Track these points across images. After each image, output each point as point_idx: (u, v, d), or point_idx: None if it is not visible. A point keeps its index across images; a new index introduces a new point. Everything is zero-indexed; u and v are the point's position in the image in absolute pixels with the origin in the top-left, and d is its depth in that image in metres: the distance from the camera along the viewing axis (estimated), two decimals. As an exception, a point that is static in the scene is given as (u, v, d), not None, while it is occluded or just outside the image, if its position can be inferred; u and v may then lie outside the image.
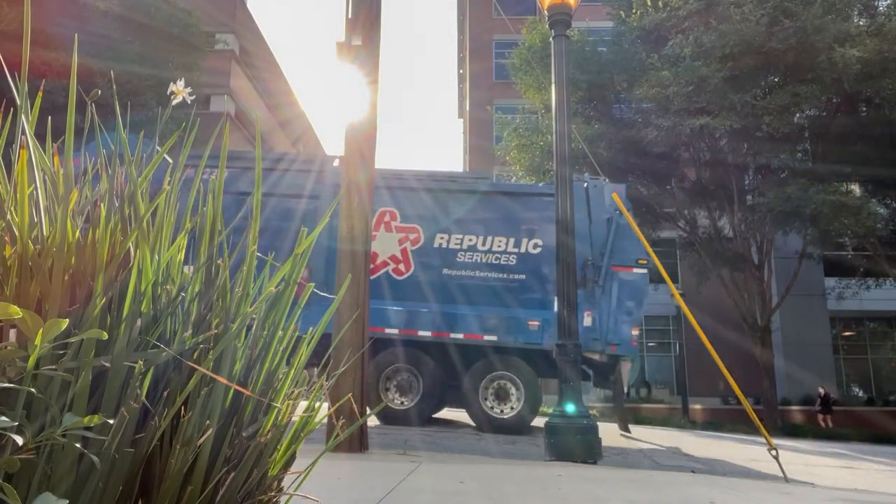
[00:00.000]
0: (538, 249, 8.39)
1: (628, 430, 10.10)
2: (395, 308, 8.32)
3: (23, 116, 1.26)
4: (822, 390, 22.16)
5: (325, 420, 4.37)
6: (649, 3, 18.26)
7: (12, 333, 1.06)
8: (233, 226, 1.59)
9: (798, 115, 16.85)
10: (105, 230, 1.27)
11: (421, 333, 8.25)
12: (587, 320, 8.05)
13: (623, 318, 8.32)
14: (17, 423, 0.98)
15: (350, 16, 5.22)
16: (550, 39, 6.05)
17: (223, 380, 1.33)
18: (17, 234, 1.18)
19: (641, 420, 18.53)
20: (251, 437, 1.41)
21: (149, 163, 1.47)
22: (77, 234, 1.26)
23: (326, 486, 2.98)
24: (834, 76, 15.07)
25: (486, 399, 8.28)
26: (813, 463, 7.44)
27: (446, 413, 13.19)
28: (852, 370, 27.24)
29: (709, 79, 15.49)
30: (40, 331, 0.98)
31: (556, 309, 5.65)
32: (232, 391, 1.39)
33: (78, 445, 1.09)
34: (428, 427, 8.25)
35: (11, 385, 1.00)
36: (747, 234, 18.73)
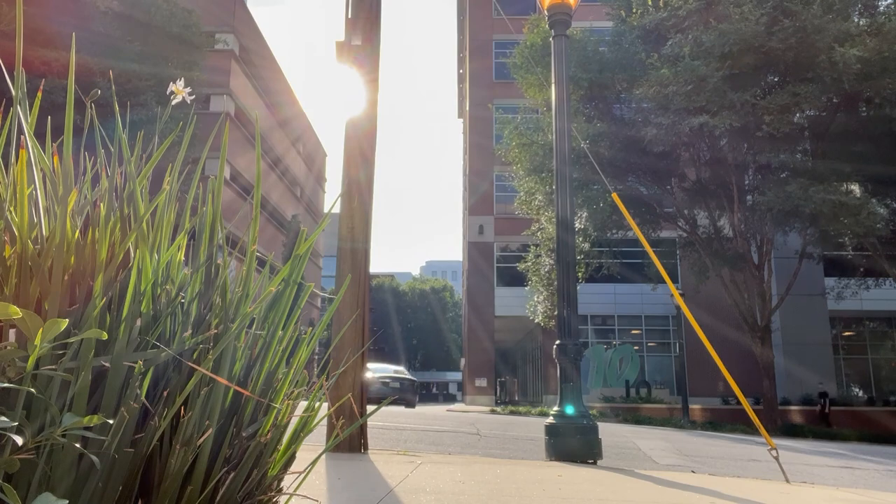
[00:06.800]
0: None
1: None
2: None
3: (20, 112, 1.26)
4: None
5: (325, 420, 4.37)
6: (650, 3, 18.26)
7: (12, 333, 1.06)
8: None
9: (798, 114, 16.85)
10: (104, 230, 1.27)
11: None
12: None
13: None
14: (16, 423, 0.98)
15: (350, 16, 5.21)
16: (551, 39, 6.05)
17: (223, 380, 1.33)
18: (16, 234, 1.18)
19: (641, 420, 18.53)
20: (251, 437, 1.41)
21: (147, 161, 1.46)
22: (77, 234, 1.25)
23: (326, 486, 2.98)
24: (834, 76, 15.06)
25: None
26: (813, 463, 7.44)
27: (447, 413, 13.20)
28: (852, 370, 27.27)
29: (708, 78, 15.48)
30: (40, 331, 0.98)
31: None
32: (232, 391, 1.39)
33: (78, 445, 1.09)
34: (428, 427, 8.25)
35: (11, 385, 1.00)
36: (747, 234, 18.73)
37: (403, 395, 17.87)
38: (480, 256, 31.61)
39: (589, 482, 3.66)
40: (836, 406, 22.63)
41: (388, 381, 17.96)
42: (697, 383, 24.38)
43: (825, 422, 21.17)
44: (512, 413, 18.85)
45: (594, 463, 4.83)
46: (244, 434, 1.40)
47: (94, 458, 1.08)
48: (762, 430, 5.15)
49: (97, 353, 1.18)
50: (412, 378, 19.20)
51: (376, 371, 18.69)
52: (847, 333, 27.59)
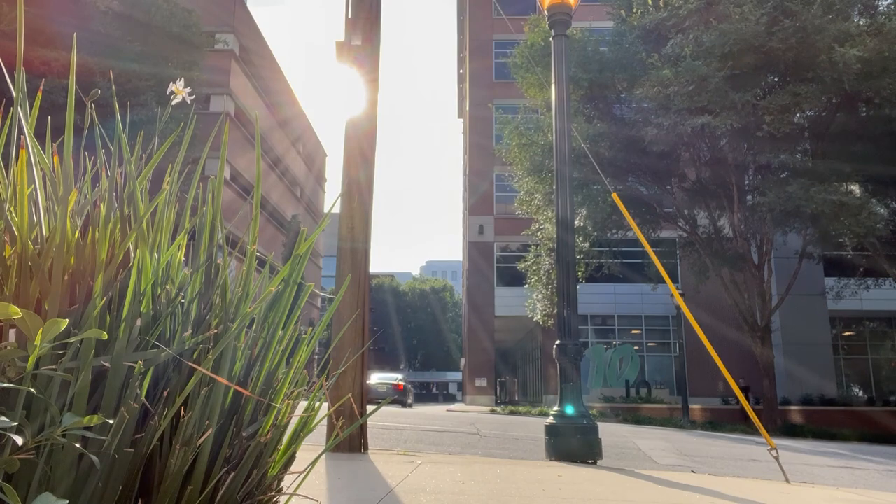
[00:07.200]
0: None
1: None
2: None
3: (20, 112, 1.26)
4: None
5: (325, 420, 4.37)
6: (650, 2, 18.25)
7: (12, 333, 1.06)
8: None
9: (798, 114, 16.84)
10: (104, 230, 1.27)
11: None
12: None
13: None
14: (16, 423, 0.98)
15: (350, 16, 5.22)
16: (551, 39, 6.05)
17: (223, 380, 1.33)
18: (16, 234, 1.18)
19: (641, 420, 18.53)
20: (251, 437, 1.41)
21: (147, 161, 1.46)
22: (77, 234, 1.25)
23: (326, 486, 2.98)
24: (834, 76, 15.05)
25: None
26: (813, 463, 7.44)
27: (447, 413, 13.20)
28: (852, 370, 27.26)
29: (709, 78, 15.48)
30: (40, 331, 0.98)
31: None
32: (232, 391, 1.39)
33: (78, 445, 1.09)
34: (428, 427, 8.25)
35: (11, 385, 1.00)
36: (747, 234, 18.73)
37: (390, 395, 24.04)
38: (480, 256, 31.61)
39: (589, 482, 3.66)
40: (836, 406, 22.61)
41: (375, 384, 24.70)
42: (697, 383, 24.37)
43: (746, 418, 21.19)
44: (512, 413, 18.85)
45: (594, 463, 4.83)
46: (244, 434, 1.40)
47: (94, 458, 1.08)
48: (762, 430, 5.15)
49: (97, 353, 1.18)
50: (401, 383, 25.78)
51: (379, 378, 25.72)
52: (847, 333, 27.59)
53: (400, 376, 27.25)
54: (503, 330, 33.41)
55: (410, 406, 25.72)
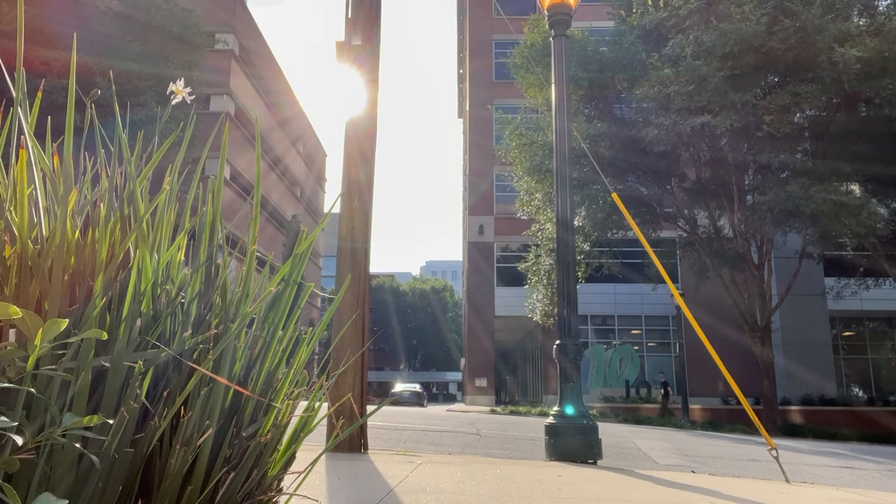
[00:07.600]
0: None
1: None
2: None
3: (20, 112, 1.26)
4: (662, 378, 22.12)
5: (325, 420, 4.37)
6: (650, 2, 18.25)
7: (12, 333, 1.06)
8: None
9: (798, 114, 16.84)
10: (104, 230, 1.27)
11: None
12: None
13: None
14: (16, 423, 0.98)
15: (350, 16, 5.21)
16: (551, 39, 6.05)
17: (223, 380, 1.33)
18: (16, 234, 1.18)
19: (641, 420, 18.52)
20: (251, 437, 1.41)
21: (147, 161, 1.46)
22: (77, 234, 1.25)
23: (326, 486, 2.98)
24: (834, 76, 15.05)
25: None
26: (813, 463, 7.44)
27: (447, 413, 13.19)
28: (852, 370, 27.26)
29: (709, 78, 15.48)
30: (40, 331, 0.98)
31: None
32: (232, 391, 1.39)
33: (78, 445, 1.09)
34: (428, 427, 8.25)
35: (11, 385, 1.00)
36: (747, 234, 18.73)
37: (412, 398, 33.12)
38: (480, 256, 31.61)
39: (589, 482, 3.66)
40: (836, 406, 22.61)
41: (401, 391, 35.00)
42: (697, 383, 24.38)
43: (668, 412, 21.29)
44: (512, 413, 18.85)
45: (594, 463, 4.83)
46: (244, 434, 1.40)
47: (94, 458, 1.08)
48: (762, 430, 5.15)
49: (97, 353, 1.18)
50: (419, 390, 35.72)
51: (402, 386, 37.17)
52: (847, 333, 27.58)
53: (417, 384, 38.63)
54: (503, 330, 33.42)
55: (425, 406, 32.17)
